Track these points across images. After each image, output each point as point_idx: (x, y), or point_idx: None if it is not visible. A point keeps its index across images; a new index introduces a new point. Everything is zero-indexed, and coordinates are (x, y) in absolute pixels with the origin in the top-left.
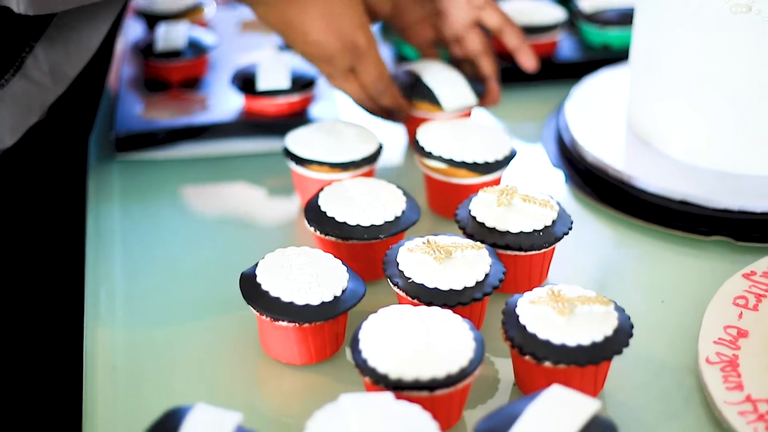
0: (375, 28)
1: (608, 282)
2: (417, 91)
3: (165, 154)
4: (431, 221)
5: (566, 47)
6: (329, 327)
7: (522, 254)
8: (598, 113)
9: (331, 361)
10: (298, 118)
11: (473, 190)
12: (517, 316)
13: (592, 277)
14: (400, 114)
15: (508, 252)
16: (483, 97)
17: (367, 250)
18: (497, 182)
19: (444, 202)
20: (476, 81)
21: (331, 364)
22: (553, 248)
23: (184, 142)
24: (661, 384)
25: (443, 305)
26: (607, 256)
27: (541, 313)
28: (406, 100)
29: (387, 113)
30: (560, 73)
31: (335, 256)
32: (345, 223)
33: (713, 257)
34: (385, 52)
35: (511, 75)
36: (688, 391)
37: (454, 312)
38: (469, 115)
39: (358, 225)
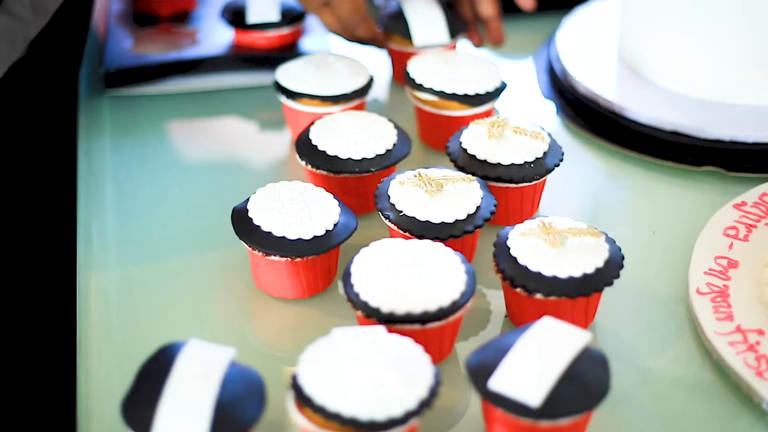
0: None
1: (599, 213)
2: (397, 23)
3: (155, 89)
4: (423, 154)
5: None
6: (321, 261)
7: (513, 186)
8: (590, 44)
9: (323, 295)
10: (288, 51)
11: (464, 122)
12: (508, 249)
13: (583, 209)
14: (376, 45)
15: (500, 184)
16: (463, 35)
17: (358, 184)
18: (489, 114)
19: (435, 134)
20: (459, 19)
21: (323, 298)
22: (545, 180)
23: (175, 77)
24: (651, 315)
25: (435, 238)
26: (599, 187)
27: (532, 245)
28: (385, 32)
29: (364, 42)
30: (552, 3)
31: (327, 190)
32: (336, 156)
33: (704, 187)
34: None
35: (503, 5)
36: (678, 321)
37: (446, 245)
38: (453, 47)
39: (349, 158)
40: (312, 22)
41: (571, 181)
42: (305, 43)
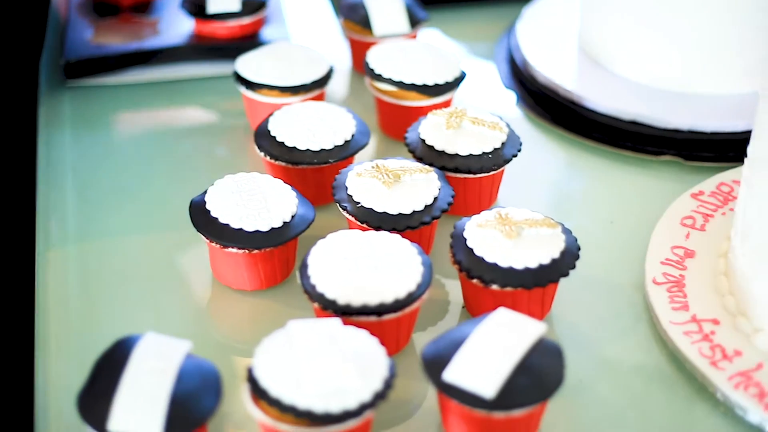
0: None
1: (559, 203)
2: (357, 13)
3: (116, 80)
4: (383, 144)
5: None
6: (279, 253)
7: (471, 177)
8: (550, 33)
9: (281, 286)
10: (249, 41)
11: (424, 112)
12: (465, 240)
13: (543, 199)
14: None
15: (458, 175)
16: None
17: (317, 175)
18: (448, 104)
19: (395, 124)
20: (420, 9)
21: (281, 290)
22: (503, 170)
23: (136, 67)
24: (608, 305)
25: (392, 229)
26: (558, 177)
27: (488, 237)
28: (346, 21)
29: None
30: None
31: (286, 182)
32: (295, 147)
33: (662, 177)
34: None
35: None
36: (634, 311)
37: (403, 236)
38: (414, 37)
39: (307, 149)
40: (273, 11)
41: (530, 171)
42: (266, 32)
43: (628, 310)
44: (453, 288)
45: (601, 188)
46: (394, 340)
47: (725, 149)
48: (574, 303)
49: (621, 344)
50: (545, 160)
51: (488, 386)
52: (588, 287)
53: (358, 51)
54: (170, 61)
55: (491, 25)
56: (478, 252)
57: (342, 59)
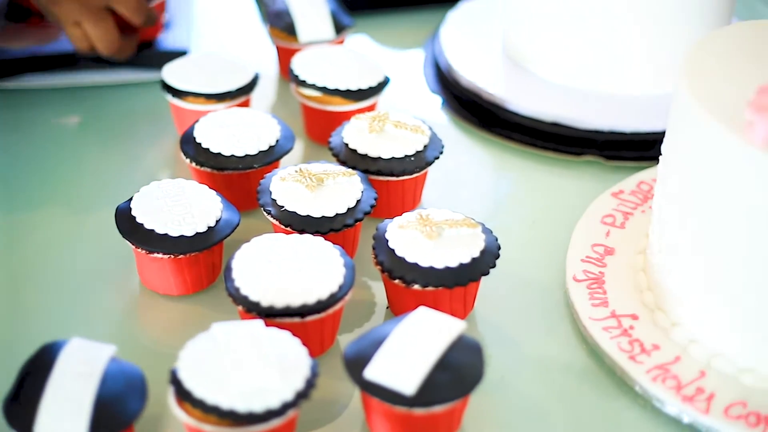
0: None
1: (483, 204)
2: (283, 19)
3: (40, 83)
4: (308, 149)
5: None
6: (204, 257)
7: (394, 179)
8: (474, 37)
9: (208, 291)
10: (146, 48)
11: (348, 117)
12: (387, 241)
13: (467, 200)
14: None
15: (380, 178)
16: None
17: (242, 180)
18: (372, 109)
19: (321, 130)
20: (346, 15)
21: (208, 294)
22: (426, 172)
23: (35, 73)
24: (530, 302)
25: (315, 232)
26: (483, 179)
27: (409, 237)
28: (272, 28)
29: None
30: None
31: (212, 187)
32: (220, 153)
33: (584, 177)
34: None
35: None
36: (556, 308)
37: (327, 239)
38: (342, 42)
39: (232, 155)
40: (176, 18)
41: (455, 173)
42: (165, 39)
43: (549, 307)
44: (378, 290)
45: (524, 189)
46: (318, 342)
47: (645, 149)
48: (497, 301)
49: (543, 341)
50: (470, 163)
51: (408, 383)
52: (511, 286)
53: (285, 58)
54: (69, 67)
55: (418, 30)
56: (399, 253)
57: (270, 66)
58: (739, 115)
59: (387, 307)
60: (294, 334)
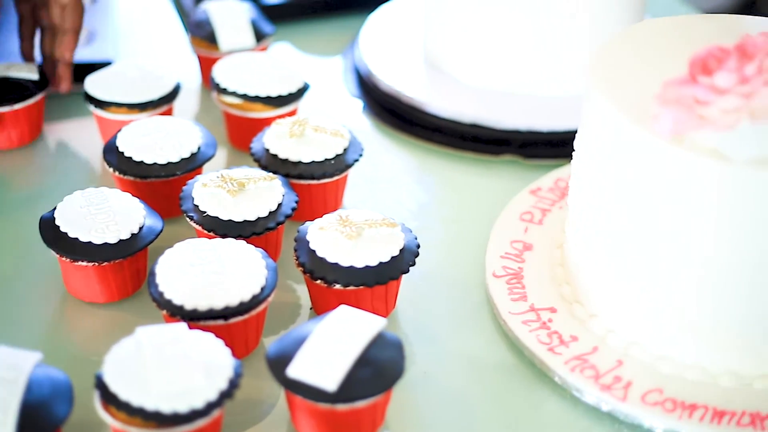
0: None
1: (405, 205)
2: (204, 29)
3: None
4: (231, 156)
5: None
6: (129, 264)
7: (315, 183)
8: (394, 41)
9: (134, 297)
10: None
11: (269, 123)
12: (308, 242)
13: (390, 202)
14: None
15: (301, 181)
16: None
17: (165, 188)
18: (293, 114)
19: (243, 136)
20: (267, 22)
21: (134, 301)
22: (346, 175)
23: None
24: (452, 299)
25: (238, 236)
26: (405, 181)
27: (330, 238)
28: (193, 38)
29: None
30: (359, 3)
31: (137, 195)
32: (142, 162)
33: (503, 176)
34: None
35: (311, 6)
36: (477, 305)
37: (249, 242)
38: (264, 49)
39: (155, 163)
40: (98, 29)
41: (378, 175)
42: (85, 51)
43: (471, 303)
44: (302, 291)
45: (445, 189)
46: (243, 343)
47: (562, 147)
48: (419, 299)
49: (464, 336)
50: (392, 165)
51: (330, 380)
52: (433, 284)
53: (207, 67)
54: None
55: (340, 36)
56: (320, 253)
57: (192, 76)
58: (646, 109)
59: (311, 308)
60: (218, 337)
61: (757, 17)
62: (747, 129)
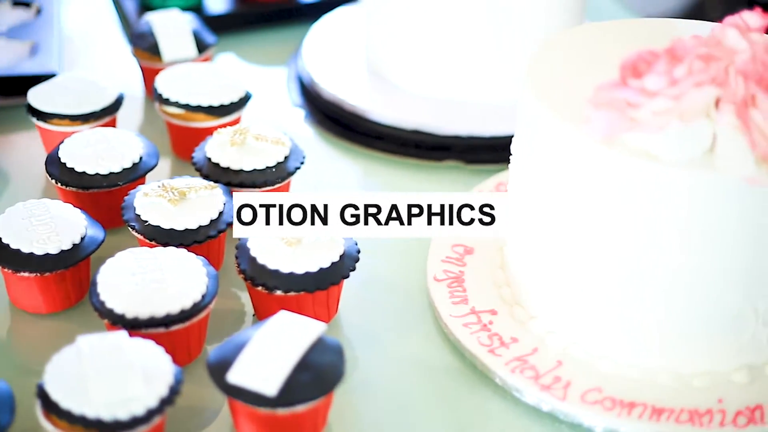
0: None
1: None
2: (147, 40)
3: None
4: (174, 166)
5: None
6: (71, 274)
7: (257, 191)
8: (337, 50)
9: (77, 308)
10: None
11: (212, 132)
12: (248, 249)
13: None
14: None
15: (243, 190)
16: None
17: (108, 198)
18: (235, 123)
19: (186, 146)
20: (209, 32)
21: (76, 311)
22: (288, 183)
23: None
24: (394, 304)
25: (179, 245)
26: (348, 188)
27: (270, 245)
28: (136, 49)
29: None
30: (303, 13)
31: (79, 206)
32: (84, 172)
33: (446, 181)
34: (130, 3)
35: (255, 17)
36: (418, 309)
37: (191, 251)
38: (208, 59)
39: (97, 174)
40: (41, 41)
41: (322, 183)
42: (29, 64)
43: (413, 308)
44: (246, 298)
45: None
46: (185, 351)
47: (502, 151)
48: (362, 305)
49: (406, 340)
50: (336, 172)
51: (270, 384)
52: (375, 289)
53: (150, 77)
54: None
55: (284, 46)
56: (260, 260)
57: (136, 87)
58: (580, 112)
59: (254, 315)
60: (160, 344)
61: (692, 21)
62: (677, 130)
